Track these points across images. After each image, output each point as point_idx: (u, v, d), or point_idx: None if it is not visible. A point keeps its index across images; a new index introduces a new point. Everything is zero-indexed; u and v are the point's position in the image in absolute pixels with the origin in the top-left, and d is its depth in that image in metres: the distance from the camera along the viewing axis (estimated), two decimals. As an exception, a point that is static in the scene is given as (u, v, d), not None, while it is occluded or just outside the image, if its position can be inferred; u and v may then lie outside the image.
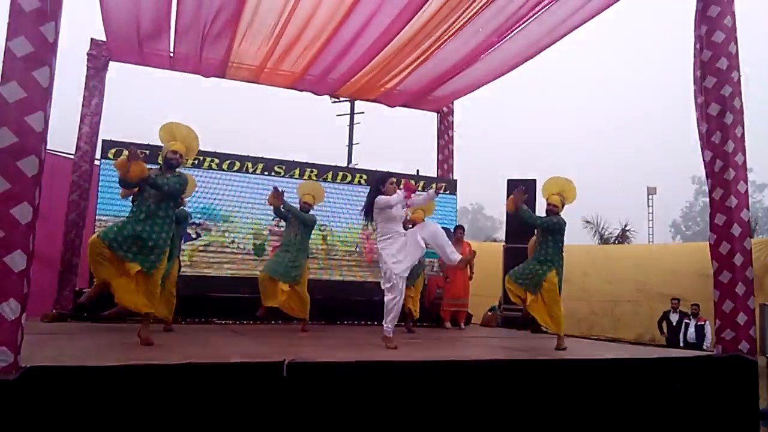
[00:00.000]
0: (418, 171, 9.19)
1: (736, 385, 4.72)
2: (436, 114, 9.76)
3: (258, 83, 8.62)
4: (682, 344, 9.15)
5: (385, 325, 4.85)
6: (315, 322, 6.77)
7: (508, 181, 9.05)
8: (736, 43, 5.02)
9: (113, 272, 4.22)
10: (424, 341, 5.82)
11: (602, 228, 21.12)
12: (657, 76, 59.57)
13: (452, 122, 9.63)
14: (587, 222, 21.34)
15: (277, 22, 6.82)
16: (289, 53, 7.67)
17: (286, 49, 7.55)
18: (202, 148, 4.98)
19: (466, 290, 7.67)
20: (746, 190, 4.95)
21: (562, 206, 5.51)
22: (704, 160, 5.10)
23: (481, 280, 8.29)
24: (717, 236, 4.98)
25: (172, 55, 7.71)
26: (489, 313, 9.35)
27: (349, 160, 16.80)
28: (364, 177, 8.65)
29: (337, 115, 17.71)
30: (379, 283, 5.03)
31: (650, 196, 31.39)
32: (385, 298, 4.87)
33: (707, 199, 5.11)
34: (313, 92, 8.94)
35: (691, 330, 9.23)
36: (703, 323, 9.25)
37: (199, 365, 3.50)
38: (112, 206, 7.15)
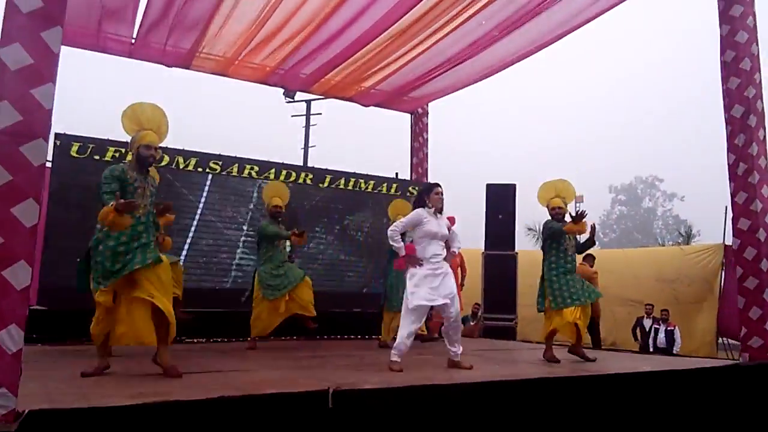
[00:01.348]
0: (397, 174, 8.77)
1: (765, 393, 4.61)
2: (409, 115, 9.40)
3: (225, 76, 7.93)
4: (652, 349, 9.23)
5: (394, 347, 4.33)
6: (286, 337, 6.34)
7: (487, 185, 8.83)
8: (757, 44, 4.97)
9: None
10: (437, 357, 5.37)
11: (544, 235, 21.59)
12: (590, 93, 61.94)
13: (427, 124, 9.30)
14: (529, 229, 21.77)
15: (262, 10, 6.24)
16: (266, 44, 7.08)
17: (265, 40, 6.97)
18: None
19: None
20: (771, 194, 4.89)
21: (566, 207, 5.27)
22: (727, 163, 5.01)
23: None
24: (741, 241, 4.88)
25: (134, 41, 6.91)
26: (471, 323, 9.05)
27: (305, 163, 16.11)
28: (311, 176, 8.01)
29: (292, 116, 16.95)
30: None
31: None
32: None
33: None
34: (284, 87, 8.39)
35: (661, 335, 9.34)
36: (672, 328, 9.39)
37: (234, 399, 2.91)
38: (65, 215, 6.17)
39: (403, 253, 4.32)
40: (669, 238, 45.68)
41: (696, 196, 46.14)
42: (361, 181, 8.38)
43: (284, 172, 7.79)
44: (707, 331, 11.31)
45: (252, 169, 7.61)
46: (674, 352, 8.97)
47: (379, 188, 8.45)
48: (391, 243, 4.41)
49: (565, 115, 61.42)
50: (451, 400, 3.36)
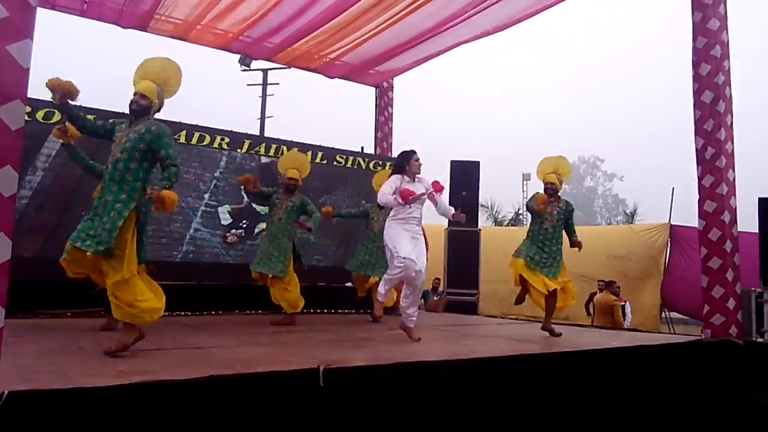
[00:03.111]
0: (362, 148, 8.62)
1: (725, 368, 4.83)
2: (373, 89, 9.25)
3: (184, 40, 7.56)
4: (603, 324, 9.53)
5: (403, 312, 4.47)
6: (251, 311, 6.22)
7: (452, 162, 8.84)
8: (727, 33, 5.09)
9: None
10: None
11: (495, 212, 22.00)
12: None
13: (392, 98, 9.19)
14: (482, 206, 22.06)
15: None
16: (232, 10, 6.77)
17: (231, 5, 6.66)
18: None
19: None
20: (734, 178, 5.07)
21: (560, 184, 5.35)
22: (696, 147, 5.15)
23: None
24: (707, 223, 5.05)
25: (87, -1, 6.48)
26: (435, 298, 9.13)
27: (261, 134, 15.66)
28: (284, 148, 7.32)
29: (248, 85, 16.39)
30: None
31: (525, 182, 33.46)
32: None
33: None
34: (247, 55, 8.06)
35: (613, 310, 9.65)
36: (623, 303, 9.73)
37: (225, 378, 2.80)
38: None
39: (401, 201, 4.40)
40: (608, 216, 47.64)
41: (634, 177, 48.13)
42: (338, 156, 7.91)
43: (218, 139, 7.08)
44: (652, 306, 11.86)
45: (223, 140, 7.06)
46: (626, 326, 9.32)
47: (355, 164, 8.05)
48: (389, 205, 4.52)
49: (515, 99, 62.58)
50: (443, 376, 3.36)
